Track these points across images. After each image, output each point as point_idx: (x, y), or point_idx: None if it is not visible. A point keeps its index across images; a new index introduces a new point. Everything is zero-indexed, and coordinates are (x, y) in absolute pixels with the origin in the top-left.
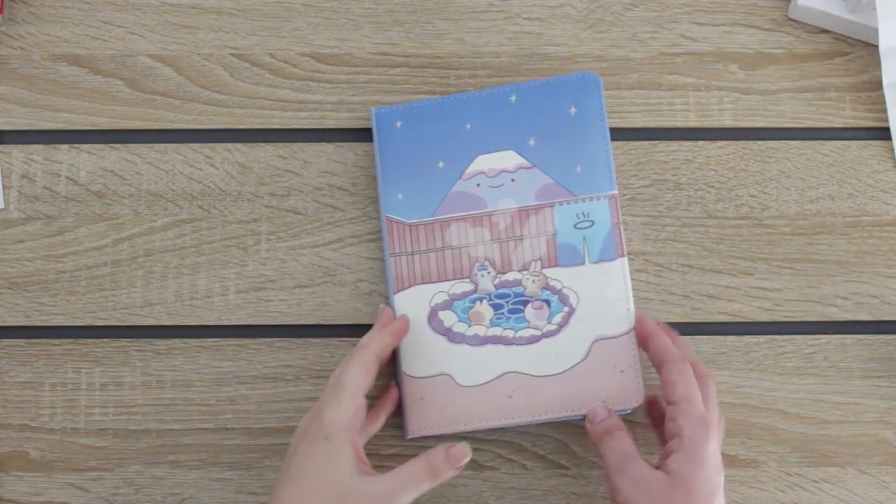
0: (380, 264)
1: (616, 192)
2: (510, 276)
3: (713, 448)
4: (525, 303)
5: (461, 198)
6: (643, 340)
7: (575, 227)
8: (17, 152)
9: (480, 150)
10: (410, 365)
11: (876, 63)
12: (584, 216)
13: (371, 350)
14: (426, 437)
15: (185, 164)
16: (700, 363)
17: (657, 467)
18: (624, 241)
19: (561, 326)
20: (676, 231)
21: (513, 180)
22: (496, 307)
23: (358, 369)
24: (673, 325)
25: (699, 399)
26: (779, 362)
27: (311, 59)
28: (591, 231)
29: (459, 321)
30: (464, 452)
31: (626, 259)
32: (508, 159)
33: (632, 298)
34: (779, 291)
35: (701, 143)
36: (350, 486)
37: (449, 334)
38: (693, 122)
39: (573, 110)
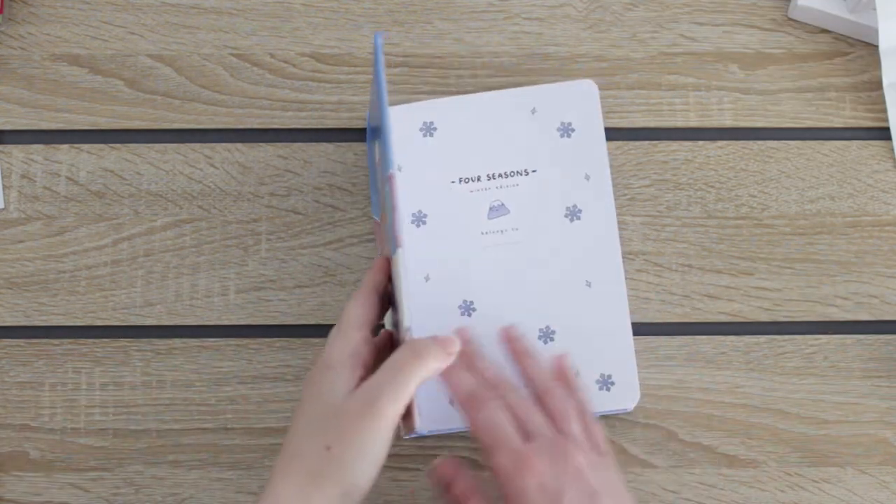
0: None
1: (392, 171)
2: None
3: (534, 483)
4: None
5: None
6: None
7: None
8: (17, 152)
9: (376, 138)
10: None
11: (876, 63)
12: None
13: (364, 285)
14: (422, 438)
15: (185, 164)
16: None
17: None
18: (399, 229)
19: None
20: (676, 231)
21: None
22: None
23: (357, 304)
24: (673, 325)
25: (508, 441)
26: (779, 362)
27: (311, 59)
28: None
29: None
30: (453, 340)
31: (401, 250)
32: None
33: (406, 297)
34: (779, 291)
35: (701, 143)
36: (340, 405)
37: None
38: (693, 122)
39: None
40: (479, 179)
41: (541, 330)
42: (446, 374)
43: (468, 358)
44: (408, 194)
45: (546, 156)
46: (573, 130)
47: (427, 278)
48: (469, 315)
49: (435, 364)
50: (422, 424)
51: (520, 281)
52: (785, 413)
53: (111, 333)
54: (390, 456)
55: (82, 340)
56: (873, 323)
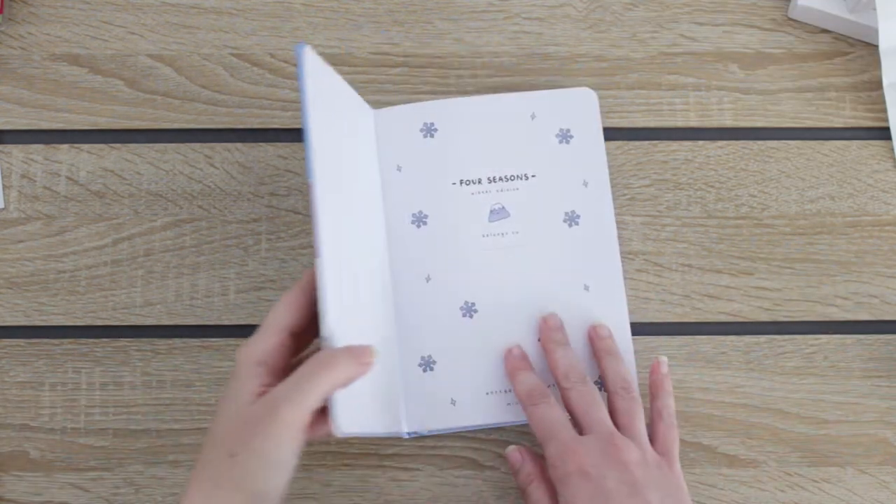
0: None
1: (312, 180)
2: None
3: (576, 468)
4: None
5: None
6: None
7: None
8: (17, 152)
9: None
10: None
11: (876, 63)
12: None
13: (295, 287)
14: (423, 438)
15: (185, 164)
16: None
17: None
18: (319, 240)
19: None
20: (676, 231)
21: None
22: None
23: (278, 307)
24: (673, 325)
25: (559, 433)
26: (779, 362)
27: None
28: None
29: None
30: (368, 351)
31: (320, 260)
32: None
33: (326, 307)
34: (779, 291)
35: (701, 143)
36: (243, 412)
37: None
38: (693, 122)
39: None
40: (479, 182)
41: None
42: (511, 373)
43: (547, 346)
44: (408, 194)
45: (545, 161)
46: (571, 137)
47: (428, 279)
48: (471, 317)
49: (345, 372)
50: (336, 429)
51: (521, 284)
52: (785, 413)
53: (111, 333)
54: (390, 456)
55: (82, 340)
56: (873, 323)
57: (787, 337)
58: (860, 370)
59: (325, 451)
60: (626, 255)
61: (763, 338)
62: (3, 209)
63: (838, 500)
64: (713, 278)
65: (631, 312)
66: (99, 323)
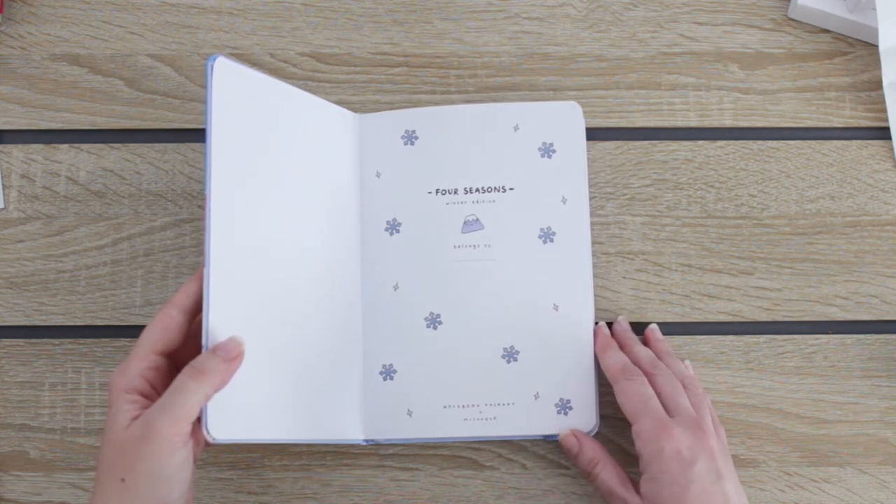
0: None
1: (207, 191)
2: None
3: (672, 448)
4: None
5: None
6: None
7: None
8: (17, 152)
9: None
10: None
11: (876, 63)
12: None
13: (170, 303)
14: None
15: (185, 163)
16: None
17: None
18: (208, 250)
19: None
20: (676, 231)
21: None
22: None
23: (149, 328)
24: (673, 325)
25: (653, 410)
26: (779, 362)
27: (311, 59)
28: None
29: None
30: (234, 344)
31: (207, 270)
32: None
33: (208, 317)
34: (778, 291)
35: (701, 142)
36: (122, 437)
37: None
38: (693, 121)
39: None
40: (455, 192)
41: (505, 349)
42: (601, 352)
43: (626, 342)
44: (384, 201)
45: (525, 174)
46: (554, 152)
47: (396, 287)
48: (435, 328)
49: (217, 379)
50: (206, 435)
51: (488, 298)
52: (785, 413)
53: (111, 333)
54: (390, 456)
55: (82, 340)
56: (873, 323)
57: (786, 337)
58: (860, 370)
59: (325, 451)
60: (626, 255)
61: (763, 338)
62: (3, 209)
63: (838, 499)
64: (713, 278)
65: (631, 312)
66: (99, 323)
